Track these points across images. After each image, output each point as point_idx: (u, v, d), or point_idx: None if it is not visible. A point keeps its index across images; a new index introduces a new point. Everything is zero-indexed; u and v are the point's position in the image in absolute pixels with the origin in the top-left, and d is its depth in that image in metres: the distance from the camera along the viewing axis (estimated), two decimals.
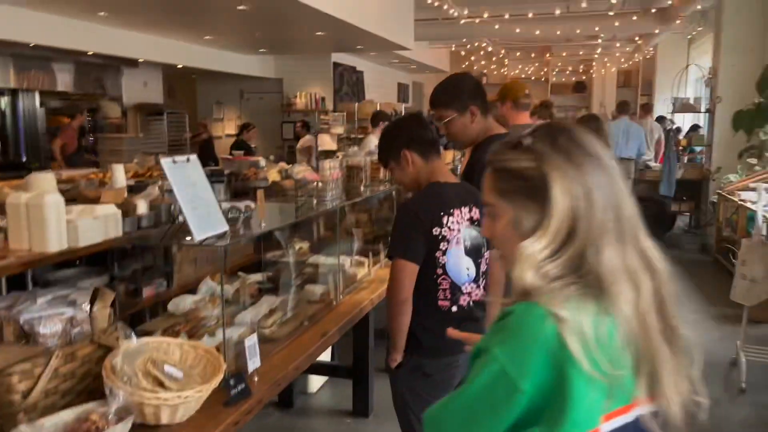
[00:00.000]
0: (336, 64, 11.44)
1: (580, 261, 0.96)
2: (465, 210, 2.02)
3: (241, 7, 6.32)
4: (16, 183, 6.67)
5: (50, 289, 1.96)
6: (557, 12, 9.45)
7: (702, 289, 6.05)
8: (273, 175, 6.40)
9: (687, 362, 1.02)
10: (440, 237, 1.97)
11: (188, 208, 1.98)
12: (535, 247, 0.97)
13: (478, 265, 2.05)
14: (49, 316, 1.77)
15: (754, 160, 6.76)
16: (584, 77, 16.81)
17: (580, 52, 15.35)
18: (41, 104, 8.29)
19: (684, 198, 8.21)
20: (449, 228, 1.98)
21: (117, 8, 6.53)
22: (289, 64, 11.51)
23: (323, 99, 11.24)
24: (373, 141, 7.95)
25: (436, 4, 8.52)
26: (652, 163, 8.50)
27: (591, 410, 0.93)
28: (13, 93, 7.90)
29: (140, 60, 8.81)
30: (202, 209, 2.05)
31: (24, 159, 8.05)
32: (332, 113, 9.63)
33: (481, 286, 2.08)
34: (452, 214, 1.99)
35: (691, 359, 1.03)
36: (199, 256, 4.59)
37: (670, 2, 9.26)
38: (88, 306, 1.89)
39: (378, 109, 8.63)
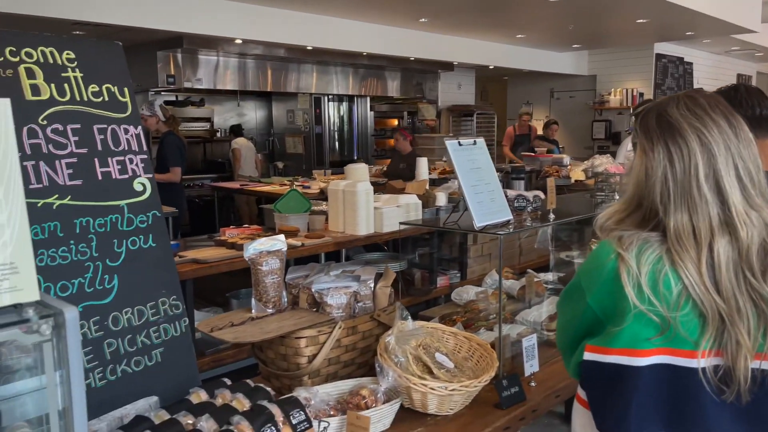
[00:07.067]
0: (659, 56, 10.33)
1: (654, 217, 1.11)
2: None
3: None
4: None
5: (342, 264, 2.07)
6: None
7: None
8: (577, 174, 6.05)
9: None
10: None
11: (470, 193, 1.89)
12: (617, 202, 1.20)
13: None
14: (337, 288, 1.86)
15: None
16: None
17: None
18: (371, 108, 9.40)
19: None
20: None
21: (435, 13, 6.94)
22: (604, 59, 10.81)
23: (642, 95, 10.26)
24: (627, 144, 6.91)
25: None
26: None
27: (635, 338, 1.07)
28: (350, 99, 9.12)
29: (455, 63, 9.25)
30: (485, 195, 1.94)
31: (355, 157, 9.19)
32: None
33: None
34: None
35: None
36: (494, 251, 4.57)
37: None
38: (372, 283, 1.94)
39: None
